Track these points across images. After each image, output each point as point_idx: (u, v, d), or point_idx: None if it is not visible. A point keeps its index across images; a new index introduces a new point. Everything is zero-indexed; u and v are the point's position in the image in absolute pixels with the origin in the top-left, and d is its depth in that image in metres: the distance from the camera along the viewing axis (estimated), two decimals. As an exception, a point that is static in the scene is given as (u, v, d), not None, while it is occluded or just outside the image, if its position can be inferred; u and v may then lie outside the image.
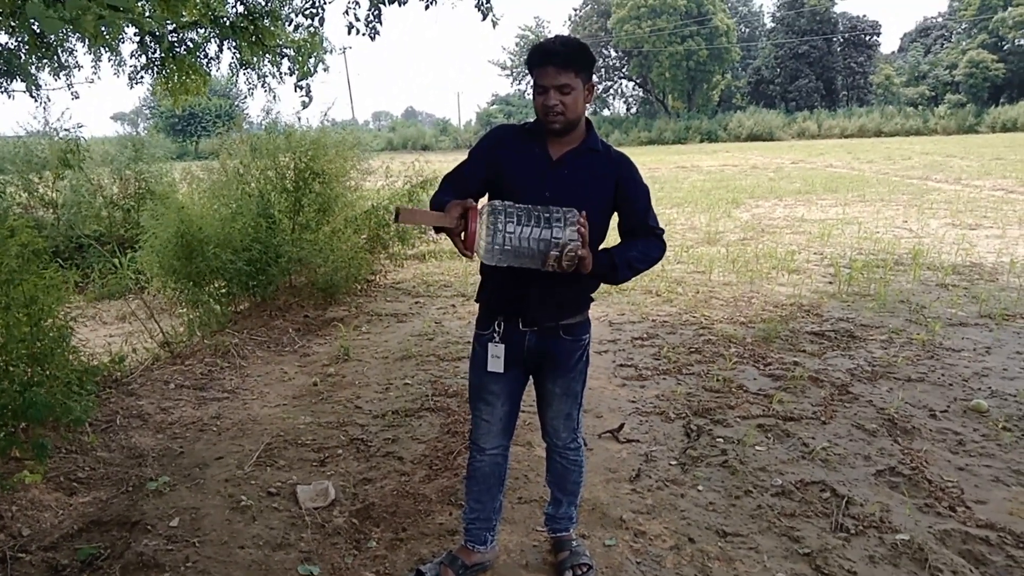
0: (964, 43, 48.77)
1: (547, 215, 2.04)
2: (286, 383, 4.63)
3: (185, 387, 4.49)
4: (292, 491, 3.13)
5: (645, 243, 2.30)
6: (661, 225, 2.36)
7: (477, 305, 2.46)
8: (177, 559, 2.63)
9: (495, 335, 2.31)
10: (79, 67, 8.45)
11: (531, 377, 2.46)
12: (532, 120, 2.30)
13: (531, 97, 2.21)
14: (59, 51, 8.33)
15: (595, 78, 2.26)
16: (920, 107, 47.16)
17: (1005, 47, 46.38)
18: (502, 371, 2.33)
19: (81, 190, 8.68)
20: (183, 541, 2.75)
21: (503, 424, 2.46)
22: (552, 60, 2.10)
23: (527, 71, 2.21)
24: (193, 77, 8.17)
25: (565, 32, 54.70)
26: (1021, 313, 5.68)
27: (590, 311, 2.45)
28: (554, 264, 2.02)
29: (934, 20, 57.20)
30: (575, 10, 55.93)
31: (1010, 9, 45.32)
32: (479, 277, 2.42)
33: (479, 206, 2.04)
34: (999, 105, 43.51)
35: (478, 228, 1.99)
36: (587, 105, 2.22)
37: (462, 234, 2.02)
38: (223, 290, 6.02)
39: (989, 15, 46.26)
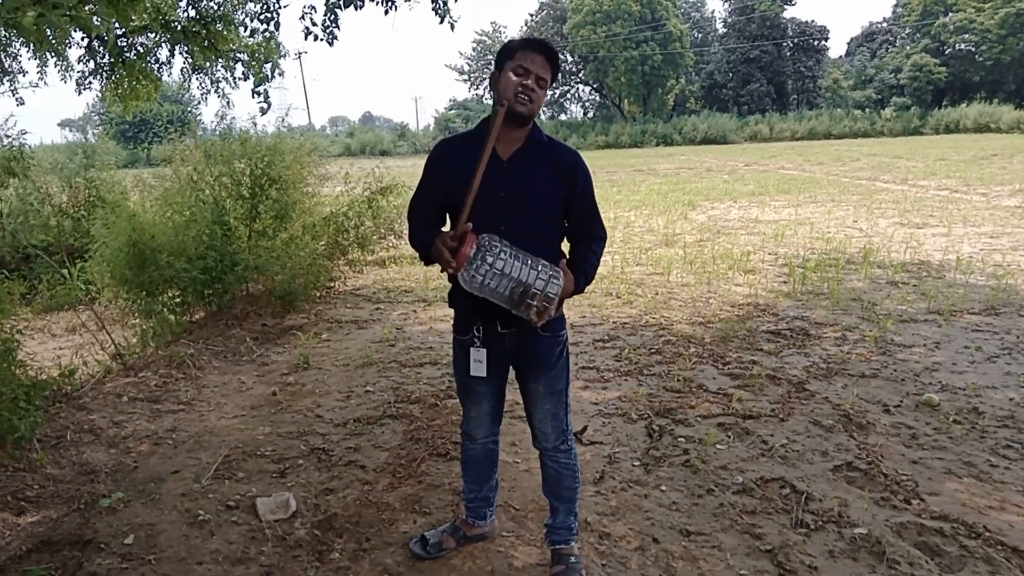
0: (908, 47, 50.28)
1: (534, 265, 2.10)
2: (244, 393, 4.54)
3: (139, 400, 4.38)
4: (251, 504, 3.07)
5: (596, 251, 2.37)
6: (605, 224, 2.43)
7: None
8: (133, 577, 2.55)
9: (475, 340, 2.34)
10: (24, 72, 8.19)
11: (513, 373, 2.50)
12: (474, 127, 2.33)
13: (490, 101, 2.22)
14: (2, 56, 8.06)
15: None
16: (867, 110, 48.48)
17: (947, 51, 47.94)
18: (485, 375, 2.36)
19: (28, 198, 8.42)
20: (138, 559, 2.68)
21: (491, 417, 2.56)
22: (544, 50, 2.17)
23: (507, 55, 2.20)
24: (144, 82, 7.97)
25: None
26: (968, 309, 5.86)
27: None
28: (523, 310, 2.10)
29: (879, 25, 58.86)
30: (531, 15, 56.26)
31: (951, 14, 46.92)
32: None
33: (474, 233, 2.09)
34: (942, 107, 44.94)
35: (469, 253, 2.05)
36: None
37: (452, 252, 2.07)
38: (177, 299, 5.88)
39: (931, 20, 47.80)
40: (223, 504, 3.09)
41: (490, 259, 2.06)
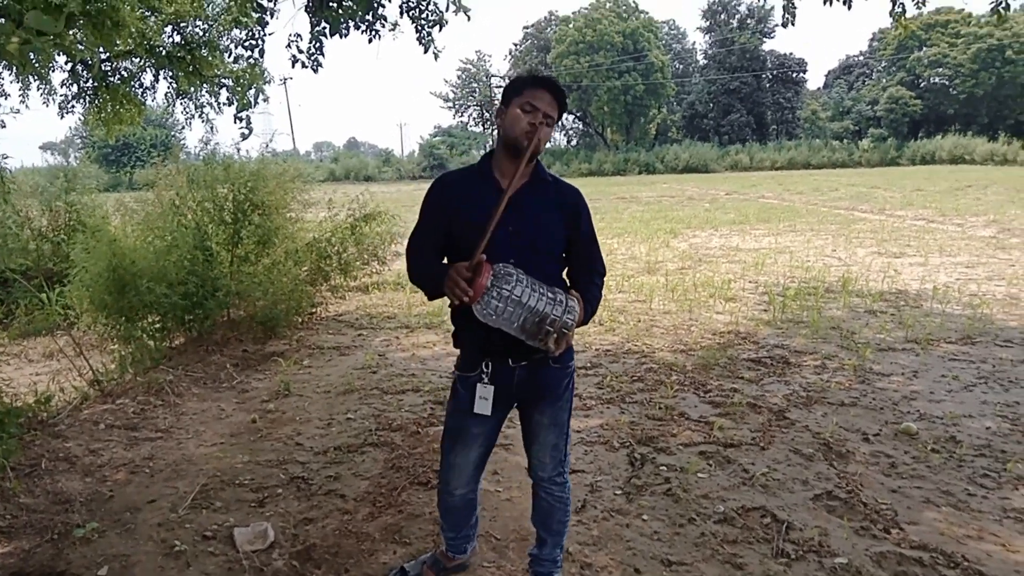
0: (884, 80, 51.45)
1: (552, 295, 2.09)
2: (223, 421, 4.49)
3: (116, 427, 4.31)
4: (229, 534, 3.03)
5: (598, 284, 2.38)
6: (604, 260, 2.45)
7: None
8: (106, 610, 2.50)
9: (483, 376, 2.29)
10: (6, 96, 8.15)
11: (516, 411, 2.47)
12: (477, 161, 2.33)
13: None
14: (-17, 79, 8.03)
15: None
16: (845, 140, 49.41)
17: (922, 84, 49.11)
18: (489, 413, 2.30)
19: (8, 222, 8.33)
20: (112, 591, 2.63)
21: (475, 467, 2.47)
22: (551, 88, 2.17)
23: (515, 92, 2.20)
24: (127, 107, 7.98)
25: (506, 67, 55.51)
26: (945, 338, 5.94)
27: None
28: (541, 340, 2.07)
29: (856, 58, 60.16)
30: (515, 45, 57.01)
31: (925, 49, 48.18)
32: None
33: (489, 263, 2.08)
34: (918, 139, 45.94)
35: (486, 283, 2.03)
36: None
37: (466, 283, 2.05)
38: (157, 325, 5.83)
39: (906, 54, 49.01)
40: (200, 534, 3.04)
41: (507, 288, 2.04)
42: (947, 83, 48.16)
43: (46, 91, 8.39)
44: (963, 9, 47.91)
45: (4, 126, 7.53)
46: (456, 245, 2.24)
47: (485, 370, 2.28)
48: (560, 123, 2.33)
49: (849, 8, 5.52)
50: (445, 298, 2.16)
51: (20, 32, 3.33)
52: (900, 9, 5.38)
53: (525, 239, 2.21)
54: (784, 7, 5.54)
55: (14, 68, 7.15)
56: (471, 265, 2.05)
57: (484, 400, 2.28)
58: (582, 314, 2.22)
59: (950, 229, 12.96)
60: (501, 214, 2.12)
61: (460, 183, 2.30)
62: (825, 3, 5.27)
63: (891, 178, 29.05)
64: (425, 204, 2.32)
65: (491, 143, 56.75)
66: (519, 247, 2.19)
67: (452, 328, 2.36)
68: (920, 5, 5.31)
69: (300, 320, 7.01)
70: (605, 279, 2.46)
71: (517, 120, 2.15)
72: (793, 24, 5.61)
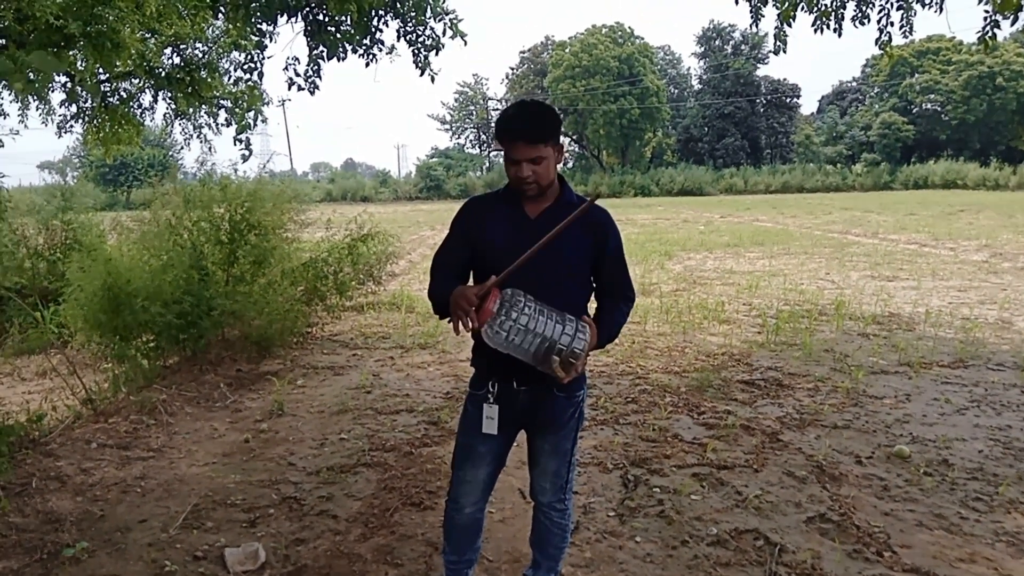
0: (877, 106, 51.92)
1: (560, 320, 2.07)
2: (216, 440, 4.48)
3: (108, 446, 4.30)
4: (220, 554, 3.02)
5: (624, 309, 2.38)
6: (633, 285, 2.44)
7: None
8: (94, 631, 2.48)
9: (489, 396, 2.31)
10: (5, 115, 8.19)
11: (524, 433, 2.47)
12: (503, 186, 2.34)
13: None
14: (-18, 99, 8.08)
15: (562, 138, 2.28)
16: (838, 165, 49.76)
17: (914, 110, 49.59)
18: (496, 433, 2.32)
19: (4, 240, 8.33)
20: (102, 611, 2.61)
21: (484, 484, 2.47)
22: (523, 136, 2.14)
23: (497, 140, 2.22)
24: (126, 127, 8.03)
25: (503, 90, 55.89)
26: (938, 361, 5.96)
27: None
28: (549, 367, 2.06)
29: (849, 84, 60.76)
30: (512, 68, 57.40)
31: (917, 75, 48.74)
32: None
33: (498, 288, 2.07)
34: (911, 164, 46.28)
35: (493, 309, 2.03)
36: (558, 164, 2.25)
37: (473, 309, 2.04)
38: (151, 344, 5.82)
39: (899, 80, 49.56)
40: (190, 554, 3.03)
41: (514, 314, 2.03)
42: (939, 109, 48.65)
43: (45, 111, 8.44)
44: (954, 37, 48.56)
45: (2, 145, 7.56)
46: (479, 266, 2.27)
47: (491, 390, 2.30)
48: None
49: (839, 36, 5.62)
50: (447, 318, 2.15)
51: (23, 72, 3.36)
52: (887, 38, 5.47)
53: (546, 264, 2.18)
54: (776, 35, 5.64)
55: (12, 88, 7.19)
56: (481, 291, 2.05)
57: (490, 420, 2.30)
58: (595, 340, 2.18)
59: (943, 253, 13.05)
60: (522, 237, 2.13)
61: (486, 206, 2.33)
62: (816, 31, 5.37)
63: (884, 202, 29.27)
64: (452, 224, 2.35)
65: (488, 165, 57.21)
66: (539, 272, 2.17)
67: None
68: (907, 34, 5.40)
69: (295, 340, 7.01)
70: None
71: (510, 175, 2.19)
72: (785, 51, 5.71)
